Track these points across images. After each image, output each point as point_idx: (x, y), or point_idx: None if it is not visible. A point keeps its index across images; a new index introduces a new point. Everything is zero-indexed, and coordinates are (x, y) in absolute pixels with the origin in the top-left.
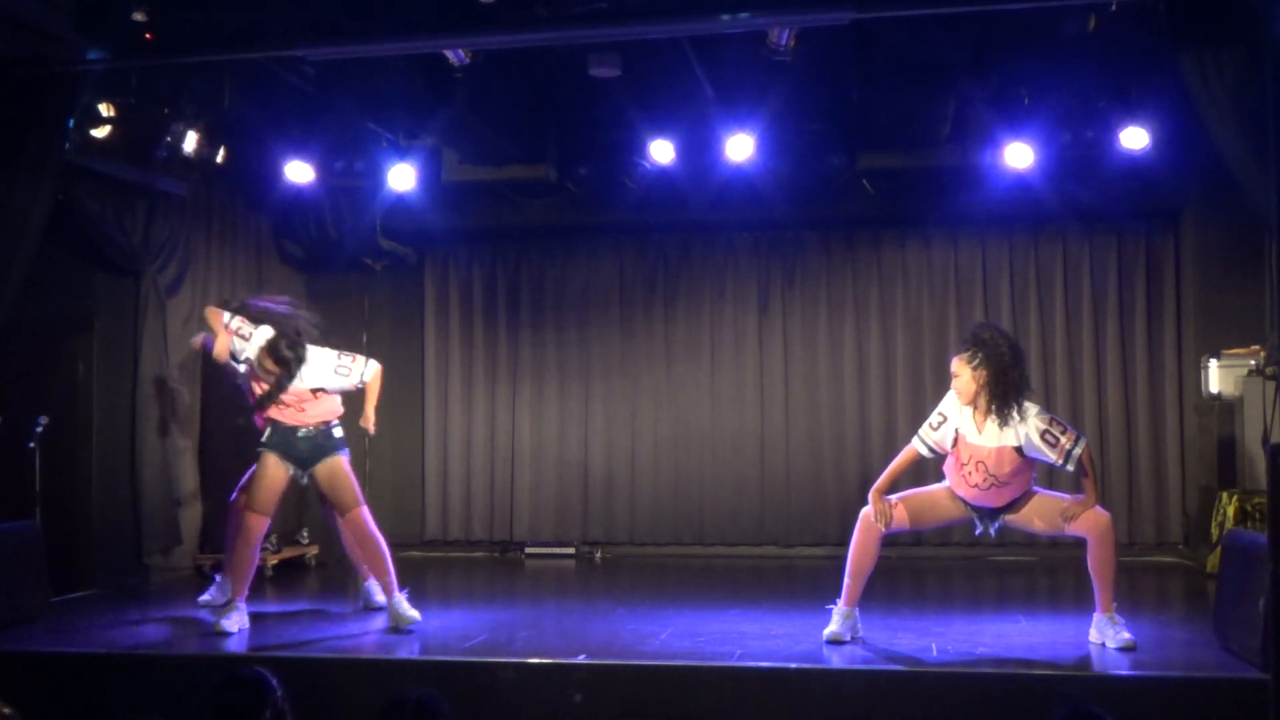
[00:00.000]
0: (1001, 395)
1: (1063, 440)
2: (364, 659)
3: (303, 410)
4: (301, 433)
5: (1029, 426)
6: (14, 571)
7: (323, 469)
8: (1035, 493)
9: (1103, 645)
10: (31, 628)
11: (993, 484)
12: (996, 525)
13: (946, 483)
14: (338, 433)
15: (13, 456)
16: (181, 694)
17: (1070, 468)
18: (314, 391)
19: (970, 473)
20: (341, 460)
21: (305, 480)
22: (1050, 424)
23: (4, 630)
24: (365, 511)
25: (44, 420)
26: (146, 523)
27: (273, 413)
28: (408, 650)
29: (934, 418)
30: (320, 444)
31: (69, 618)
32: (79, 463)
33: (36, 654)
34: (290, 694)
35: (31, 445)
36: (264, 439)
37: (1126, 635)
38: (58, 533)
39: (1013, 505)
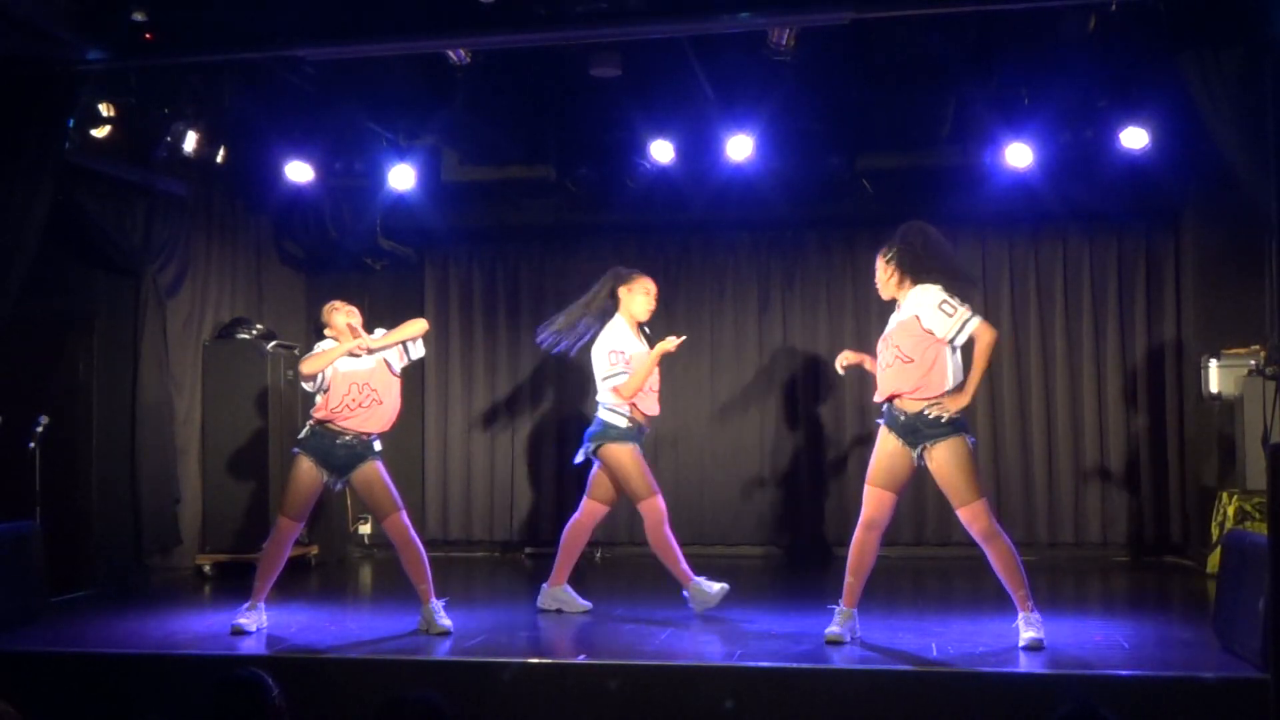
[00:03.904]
0: (913, 275)
1: (960, 311)
2: (364, 659)
3: (381, 403)
4: (341, 440)
5: (930, 297)
6: (14, 571)
7: (359, 476)
8: (954, 441)
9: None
10: (31, 628)
11: (897, 359)
12: (918, 453)
13: (880, 431)
14: (376, 443)
15: (13, 456)
16: (181, 694)
17: (959, 341)
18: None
19: (882, 351)
20: (378, 465)
21: (338, 487)
22: (951, 297)
23: (4, 630)
24: (404, 516)
25: (44, 420)
26: (146, 523)
27: (347, 417)
28: (408, 650)
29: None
30: (359, 452)
31: (69, 618)
32: (79, 463)
33: (36, 654)
34: (289, 694)
35: (31, 445)
36: (301, 439)
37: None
38: (58, 533)
39: (926, 429)
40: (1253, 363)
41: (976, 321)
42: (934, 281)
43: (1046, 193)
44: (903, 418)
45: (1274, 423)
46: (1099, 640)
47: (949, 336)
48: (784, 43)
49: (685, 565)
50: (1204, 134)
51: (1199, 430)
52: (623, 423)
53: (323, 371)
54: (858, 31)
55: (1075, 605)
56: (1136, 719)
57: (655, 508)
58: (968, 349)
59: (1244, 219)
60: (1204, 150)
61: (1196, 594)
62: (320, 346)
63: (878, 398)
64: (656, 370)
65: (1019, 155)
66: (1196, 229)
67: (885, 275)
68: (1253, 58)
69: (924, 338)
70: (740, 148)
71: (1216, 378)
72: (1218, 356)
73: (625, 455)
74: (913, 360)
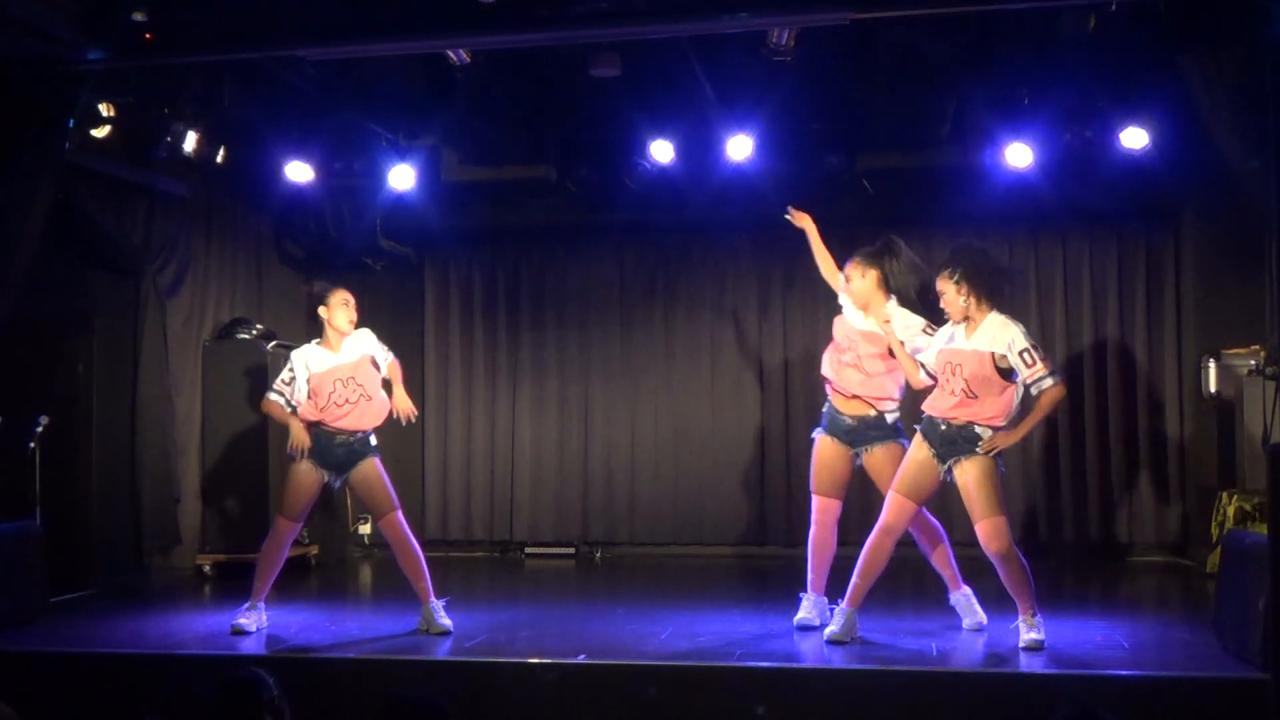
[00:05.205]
0: (988, 296)
1: (1039, 366)
2: (364, 659)
3: (370, 399)
4: (339, 439)
5: (1015, 341)
6: (14, 571)
7: (358, 474)
8: (985, 459)
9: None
10: (31, 628)
11: (964, 393)
12: (948, 466)
13: (914, 439)
14: (373, 439)
15: (13, 456)
16: (181, 694)
17: (1034, 392)
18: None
19: (948, 380)
20: (376, 463)
21: (337, 485)
22: (1033, 348)
23: (4, 630)
24: (400, 516)
25: (44, 420)
26: (146, 523)
27: (337, 417)
28: (408, 650)
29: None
30: (358, 449)
31: (69, 618)
32: (79, 463)
33: (36, 654)
34: (289, 694)
35: (31, 445)
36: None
37: (1034, 635)
38: (58, 533)
39: (965, 443)
40: (1253, 363)
41: (1050, 382)
42: (1004, 309)
43: (1046, 193)
44: (944, 427)
45: (1274, 423)
46: (1099, 640)
47: (1025, 381)
48: (784, 43)
49: (822, 576)
50: (1204, 134)
51: (1199, 430)
52: (824, 410)
53: (299, 379)
54: (858, 31)
55: (1075, 605)
56: (1136, 719)
57: (816, 507)
58: None
59: (1244, 219)
60: (1204, 150)
61: (1196, 594)
62: (306, 352)
63: (934, 414)
64: (853, 349)
65: (1019, 155)
66: (1196, 229)
67: (958, 298)
68: (1253, 58)
69: (995, 376)
70: (740, 148)
71: (1216, 378)
72: (1218, 356)
73: (815, 444)
74: (978, 398)
